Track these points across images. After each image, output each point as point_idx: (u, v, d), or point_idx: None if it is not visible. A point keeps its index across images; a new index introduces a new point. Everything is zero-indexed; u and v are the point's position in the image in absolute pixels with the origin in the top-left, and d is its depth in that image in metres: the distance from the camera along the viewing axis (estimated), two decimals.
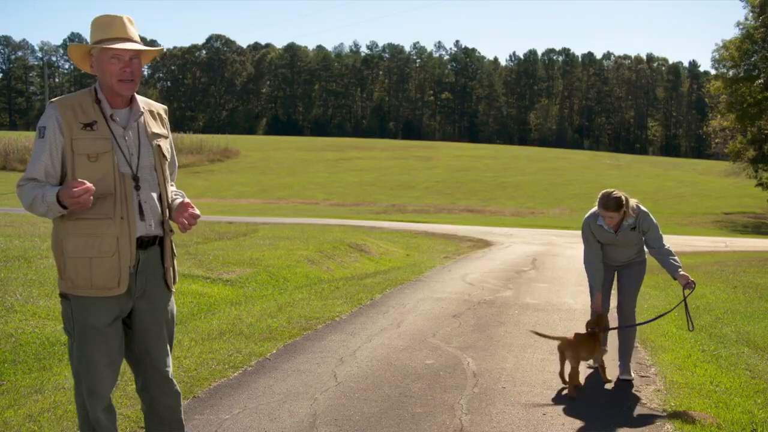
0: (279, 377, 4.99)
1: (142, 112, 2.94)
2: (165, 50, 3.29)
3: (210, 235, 15.34)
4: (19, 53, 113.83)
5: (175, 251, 3.08)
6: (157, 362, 2.99)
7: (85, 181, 2.66)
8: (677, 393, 4.80)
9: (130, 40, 2.85)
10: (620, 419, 4.31)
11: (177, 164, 3.21)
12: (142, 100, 2.98)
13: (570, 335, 5.16)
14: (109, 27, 2.82)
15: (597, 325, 5.10)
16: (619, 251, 5.28)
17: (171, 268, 3.00)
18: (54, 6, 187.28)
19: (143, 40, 3.02)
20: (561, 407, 4.52)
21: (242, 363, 5.31)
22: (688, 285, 4.92)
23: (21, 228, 14.96)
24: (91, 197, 2.66)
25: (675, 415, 4.32)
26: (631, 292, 5.32)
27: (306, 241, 14.85)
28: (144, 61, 2.96)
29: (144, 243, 2.88)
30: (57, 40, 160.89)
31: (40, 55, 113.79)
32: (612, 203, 4.97)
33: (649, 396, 4.76)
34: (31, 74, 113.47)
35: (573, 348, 4.91)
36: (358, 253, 14.77)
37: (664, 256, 5.08)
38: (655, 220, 5.17)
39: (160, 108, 3.11)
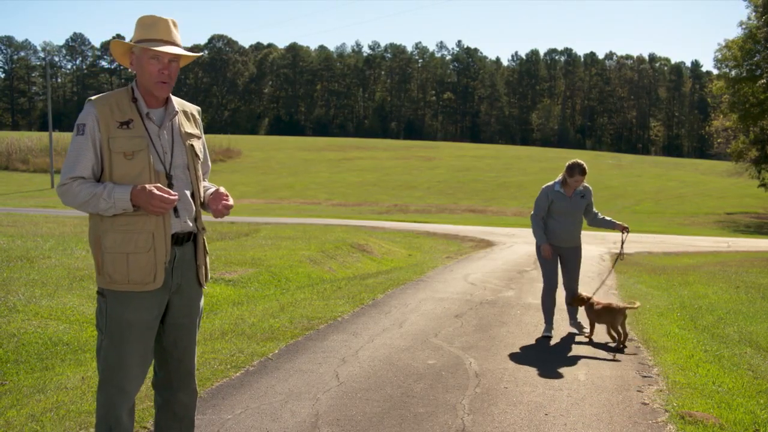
0: (281, 377, 4.99)
1: (177, 112, 2.99)
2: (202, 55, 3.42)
3: (212, 235, 15.36)
4: (22, 53, 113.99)
5: (207, 249, 3.12)
6: (183, 355, 3.03)
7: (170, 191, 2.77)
8: (679, 393, 4.80)
9: (173, 43, 2.90)
10: (622, 419, 4.30)
11: (210, 165, 3.26)
12: (176, 101, 3.02)
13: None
14: (152, 28, 2.86)
15: (582, 301, 6.50)
16: (567, 223, 6.57)
17: (203, 266, 3.05)
18: (56, 6, 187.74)
19: None
20: (563, 407, 4.52)
21: (244, 363, 5.31)
22: (626, 229, 6.70)
23: (23, 228, 14.99)
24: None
25: (677, 416, 4.31)
26: (574, 272, 6.76)
27: (308, 241, 14.86)
28: (181, 64, 3.01)
29: (179, 239, 2.93)
30: (59, 41, 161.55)
31: (42, 55, 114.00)
32: (582, 169, 6.42)
33: (652, 396, 4.76)
34: (33, 74, 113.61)
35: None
36: (360, 253, 14.77)
37: (600, 218, 6.76)
38: None
39: (194, 109, 3.16)
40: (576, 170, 6.42)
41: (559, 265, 6.80)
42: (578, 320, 6.85)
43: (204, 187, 3.17)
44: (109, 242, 2.79)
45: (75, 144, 2.79)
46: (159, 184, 2.76)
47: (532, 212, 6.68)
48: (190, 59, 3.03)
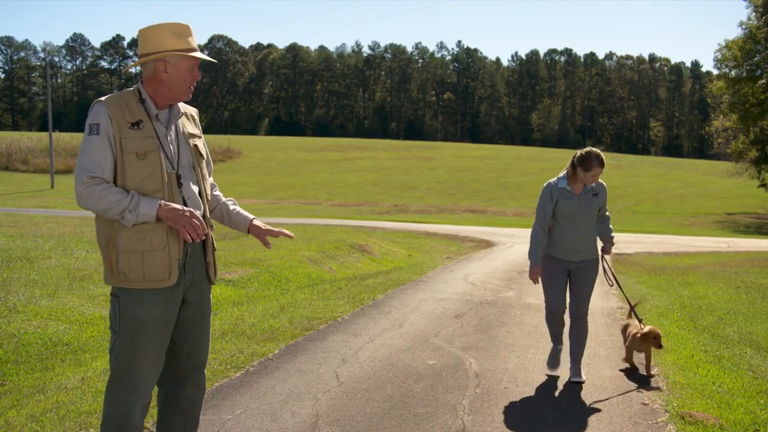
0: (281, 377, 4.99)
1: (182, 114, 3.05)
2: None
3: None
4: (22, 54, 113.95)
5: (215, 246, 3.16)
6: (192, 347, 3.07)
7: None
8: (680, 393, 4.80)
9: (198, 49, 3.00)
10: (622, 419, 4.31)
11: (212, 163, 3.31)
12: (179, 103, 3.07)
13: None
14: (184, 36, 2.94)
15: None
16: (576, 230, 5.11)
17: (212, 262, 3.11)
18: (56, 6, 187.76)
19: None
20: (563, 407, 4.52)
21: (244, 363, 5.32)
22: (608, 251, 5.39)
23: (23, 228, 14.98)
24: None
25: (677, 416, 4.31)
26: (586, 294, 5.22)
27: (308, 241, 14.86)
28: None
29: None
30: (59, 41, 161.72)
31: (42, 55, 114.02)
32: (601, 160, 4.98)
33: (652, 396, 4.76)
34: (33, 75, 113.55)
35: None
36: (360, 253, 14.77)
37: (606, 226, 5.33)
38: None
39: (193, 111, 3.24)
40: (594, 162, 4.97)
41: (568, 284, 5.27)
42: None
43: (216, 196, 3.26)
44: (123, 241, 2.82)
45: (90, 143, 2.80)
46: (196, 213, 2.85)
47: (534, 224, 5.22)
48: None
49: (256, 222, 3.23)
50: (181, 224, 2.78)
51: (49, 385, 4.81)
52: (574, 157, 5.11)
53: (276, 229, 3.22)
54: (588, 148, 5.07)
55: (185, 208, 2.82)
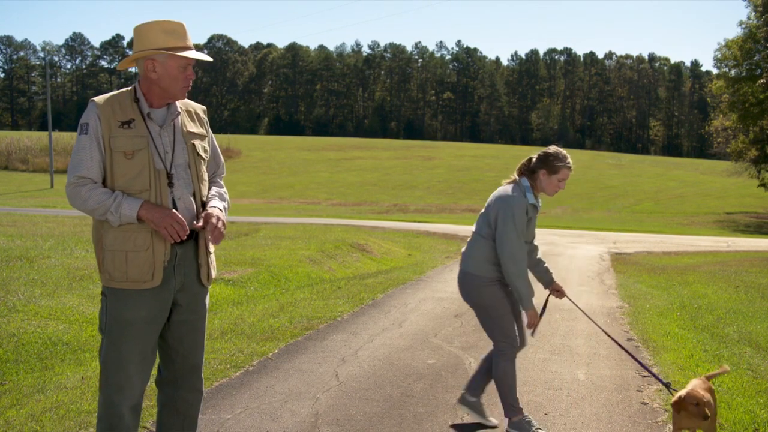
0: (281, 377, 4.99)
1: (179, 112, 3.01)
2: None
3: None
4: (21, 53, 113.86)
5: (210, 248, 3.08)
6: (188, 352, 3.04)
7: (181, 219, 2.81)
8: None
9: (192, 48, 2.95)
10: (622, 419, 4.31)
11: (223, 161, 3.25)
12: (180, 101, 3.03)
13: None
14: (176, 35, 2.89)
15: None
16: (525, 249, 4.05)
17: (205, 265, 3.03)
18: (56, 6, 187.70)
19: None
20: (563, 407, 4.52)
21: (244, 363, 5.32)
22: (563, 293, 4.23)
23: (23, 228, 14.98)
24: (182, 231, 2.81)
25: None
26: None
27: (308, 240, 14.85)
28: None
29: None
30: (59, 40, 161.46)
31: (42, 55, 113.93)
32: (568, 161, 3.98)
33: (651, 396, 4.76)
34: (33, 74, 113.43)
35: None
36: (360, 252, 14.76)
37: (543, 263, 4.25)
38: None
39: (199, 108, 3.18)
40: (564, 162, 3.96)
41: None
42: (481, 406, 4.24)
43: (211, 194, 3.09)
44: (109, 240, 2.82)
45: (80, 143, 2.82)
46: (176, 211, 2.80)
47: (510, 246, 3.90)
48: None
49: (211, 205, 2.98)
50: (162, 225, 2.76)
51: (48, 385, 4.81)
52: (530, 159, 4.07)
53: (209, 221, 2.88)
54: (552, 147, 4.07)
55: (167, 209, 2.79)
